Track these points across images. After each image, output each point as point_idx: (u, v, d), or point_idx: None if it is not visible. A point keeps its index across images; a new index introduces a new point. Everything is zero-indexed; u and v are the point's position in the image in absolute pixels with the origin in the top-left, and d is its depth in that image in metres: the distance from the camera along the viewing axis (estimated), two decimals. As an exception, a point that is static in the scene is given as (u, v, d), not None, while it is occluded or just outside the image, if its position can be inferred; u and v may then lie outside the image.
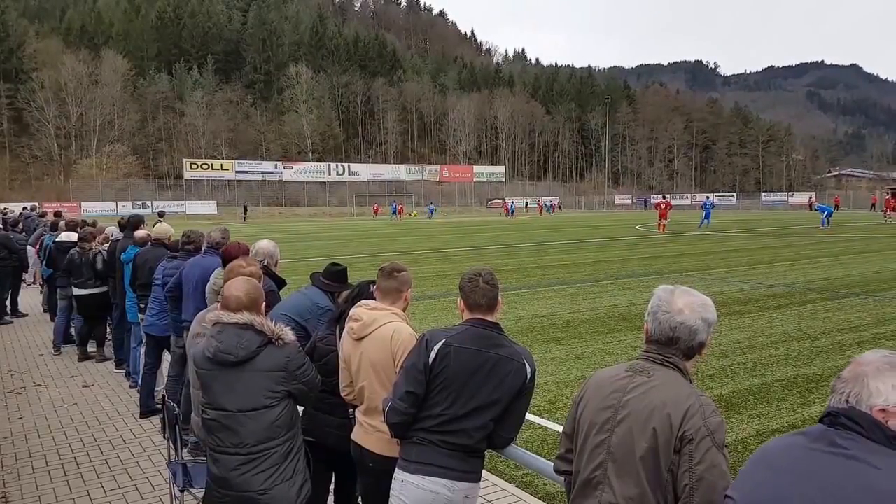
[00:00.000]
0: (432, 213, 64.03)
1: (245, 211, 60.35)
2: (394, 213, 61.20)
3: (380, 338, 2.89)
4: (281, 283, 4.64)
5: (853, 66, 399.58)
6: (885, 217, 39.57)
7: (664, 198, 43.44)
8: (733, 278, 14.44)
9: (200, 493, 3.67)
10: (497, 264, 17.53)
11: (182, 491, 3.74)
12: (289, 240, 29.44)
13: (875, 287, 12.69)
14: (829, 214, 34.13)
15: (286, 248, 23.53)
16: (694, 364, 2.00)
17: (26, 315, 11.39)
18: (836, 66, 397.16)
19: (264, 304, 3.02)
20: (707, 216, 36.74)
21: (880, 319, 9.59)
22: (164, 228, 6.90)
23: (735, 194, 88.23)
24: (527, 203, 75.09)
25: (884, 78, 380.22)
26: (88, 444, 5.48)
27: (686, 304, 1.96)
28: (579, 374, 6.98)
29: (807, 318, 9.76)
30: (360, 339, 2.94)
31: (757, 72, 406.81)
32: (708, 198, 48.87)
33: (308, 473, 2.92)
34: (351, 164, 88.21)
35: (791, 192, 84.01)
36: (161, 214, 22.38)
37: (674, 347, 1.96)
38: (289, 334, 2.86)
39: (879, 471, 1.37)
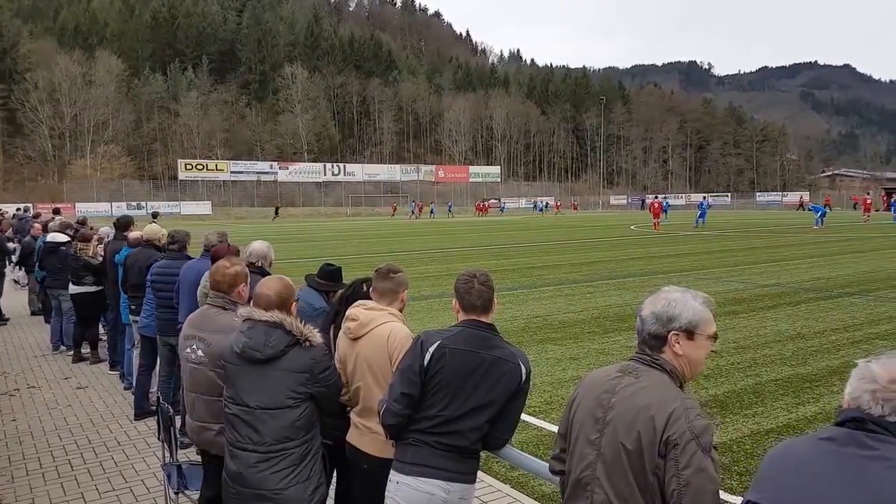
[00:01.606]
0: (433, 212, 64.75)
1: (276, 212, 62.28)
2: (412, 212, 62.64)
3: (376, 338, 2.89)
4: None
5: (846, 66, 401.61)
6: (865, 217, 40.18)
7: (657, 198, 44.18)
8: (728, 278, 14.48)
9: (195, 495, 3.66)
10: (493, 264, 17.54)
11: (177, 493, 3.73)
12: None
13: (869, 287, 12.74)
14: (823, 214, 34.51)
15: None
16: (679, 362, 1.96)
17: (9, 319, 11.17)
18: (830, 66, 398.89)
19: (295, 304, 3.02)
20: (702, 215, 37.07)
21: (874, 319, 9.63)
22: (153, 229, 6.86)
23: (729, 194, 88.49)
24: (546, 203, 76.12)
25: (877, 78, 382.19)
26: (83, 447, 5.46)
27: (650, 301, 2.02)
28: (575, 375, 6.99)
29: (801, 318, 9.80)
30: (356, 339, 2.94)
31: (751, 72, 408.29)
32: (704, 198, 49.39)
33: (324, 477, 2.92)
34: (346, 164, 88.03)
35: (785, 193, 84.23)
36: (155, 215, 22.32)
37: (655, 347, 1.98)
38: (317, 336, 2.87)
39: None
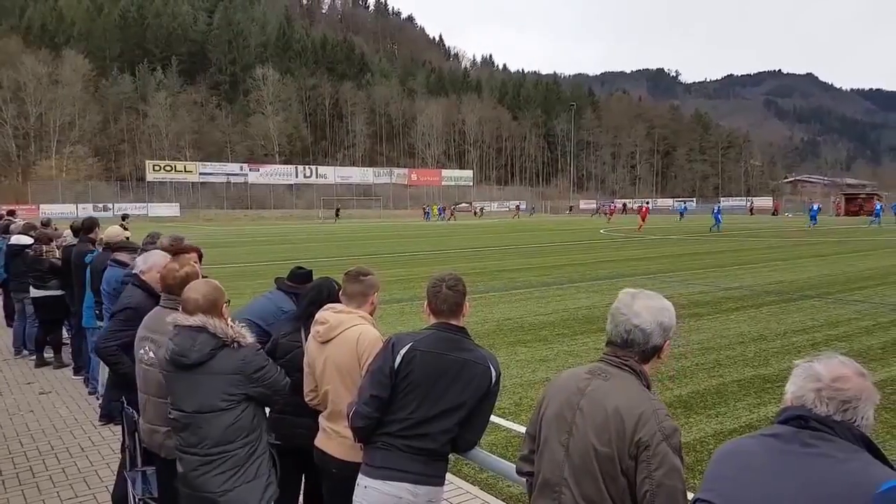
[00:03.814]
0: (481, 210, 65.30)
1: (337, 213, 63.68)
2: (440, 213, 63.72)
3: (345, 341, 2.88)
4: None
5: (809, 74, 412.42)
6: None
7: (647, 203, 46.33)
8: (693, 281, 14.76)
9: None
10: (464, 267, 17.60)
11: (141, 499, 3.68)
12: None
13: (829, 290, 13.11)
14: (814, 216, 39.15)
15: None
16: (652, 367, 2.03)
17: None
18: (793, 74, 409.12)
19: (226, 306, 3.01)
20: (717, 221, 38.44)
21: (833, 322, 9.92)
22: (114, 232, 6.68)
23: (695, 199, 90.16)
24: (596, 207, 76.30)
25: (838, 87, 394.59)
26: (45, 453, 5.35)
27: (644, 307, 1.98)
28: (544, 376, 7.06)
29: (763, 320, 10.05)
30: (325, 343, 2.92)
31: (716, 80, 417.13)
32: (719, 204, 52.20)
33: (274, 475, 2.90)
34: (318, 166, 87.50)
35: (749, 198, 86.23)
36: (125, 217, 21.82)
37: (630, 350, 1.98)
38: (246, 337, 2.85)
39: (850, 463, 1.46)
